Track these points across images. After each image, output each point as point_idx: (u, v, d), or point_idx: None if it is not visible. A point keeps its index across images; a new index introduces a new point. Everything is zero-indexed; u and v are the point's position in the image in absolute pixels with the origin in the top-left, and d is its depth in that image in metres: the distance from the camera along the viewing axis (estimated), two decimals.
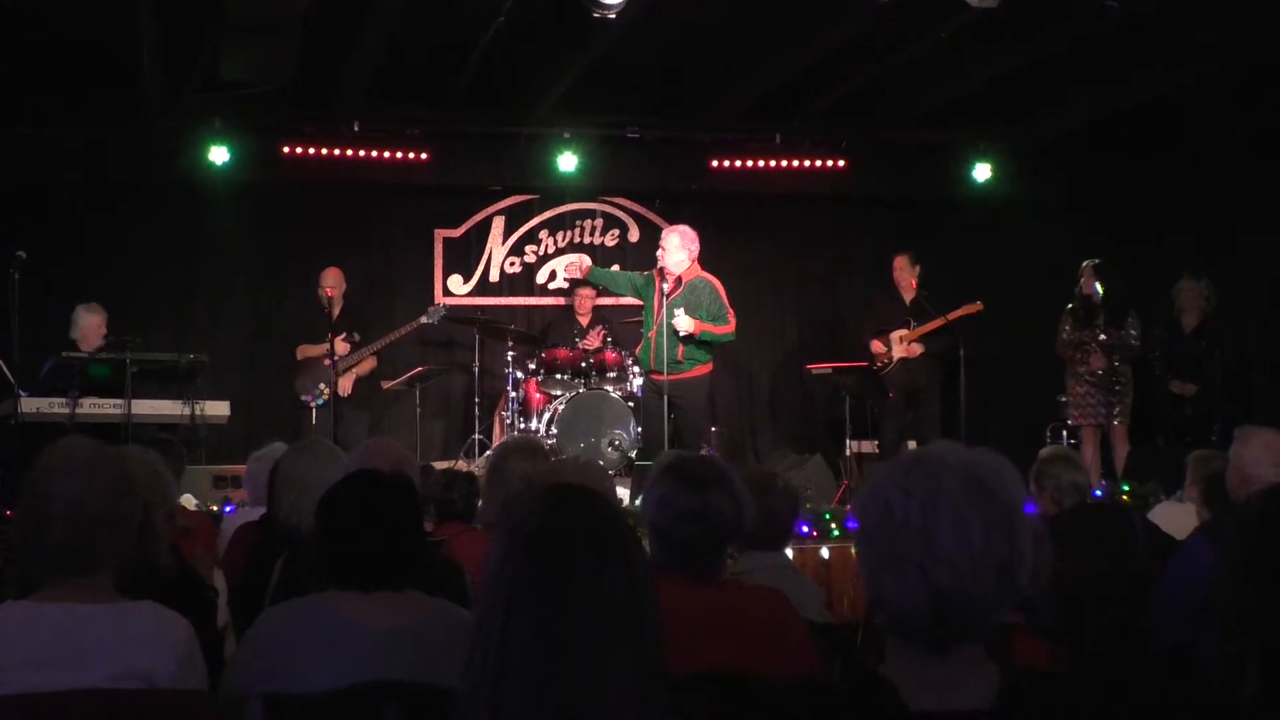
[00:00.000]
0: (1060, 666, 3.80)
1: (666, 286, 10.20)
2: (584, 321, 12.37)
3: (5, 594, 3.34)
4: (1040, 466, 6.18)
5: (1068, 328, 10.98)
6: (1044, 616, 4.13)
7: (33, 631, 3.17)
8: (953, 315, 11.38)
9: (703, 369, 10.34)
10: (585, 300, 12.56)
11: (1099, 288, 10.84)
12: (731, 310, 10.23)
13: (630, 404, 11.09)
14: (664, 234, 10.78)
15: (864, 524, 2.26)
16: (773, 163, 13.36)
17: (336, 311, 11.55)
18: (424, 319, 11.97)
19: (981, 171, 13.58)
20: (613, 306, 13.03)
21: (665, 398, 10.05)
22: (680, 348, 10.06)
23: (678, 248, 10.32)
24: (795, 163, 13.40)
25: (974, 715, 2.20)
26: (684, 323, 10.01)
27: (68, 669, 3.12)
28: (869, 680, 2.27)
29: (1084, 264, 10.98)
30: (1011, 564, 2.20)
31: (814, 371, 12.82)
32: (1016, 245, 13.27)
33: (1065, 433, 11.16)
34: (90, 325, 10.80)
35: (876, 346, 11.84)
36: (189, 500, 8.72)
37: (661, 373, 10.00)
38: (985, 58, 10.93)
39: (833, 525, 8.88)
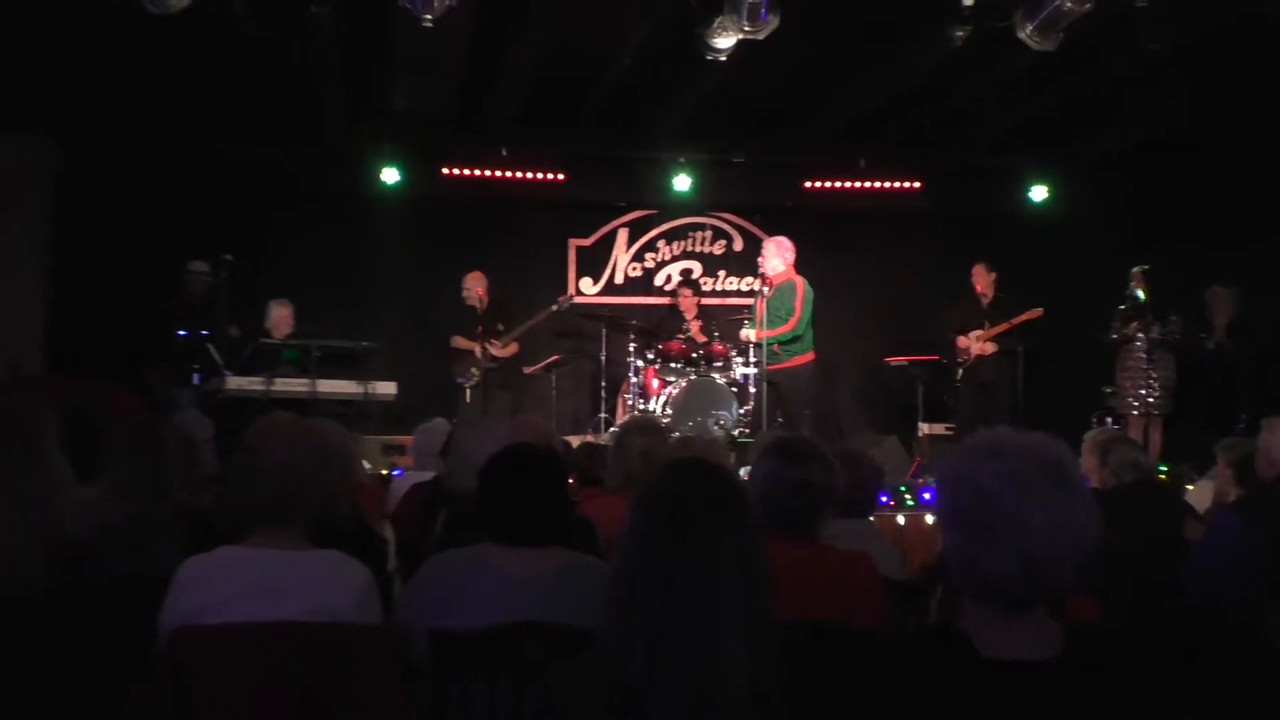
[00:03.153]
0: (1108, 621, 3.75)
1: (767, 290, 10.29)
2: (688, 317, 12.36)
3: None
4: (1105, 445, 6.10)
5: (1117, 325, 10.84)
6: (1090, 577, 4.08)
7: (242, 571, 3.22)
8: (1018, 319, 11.35)
9: (800, 359, 10.37)
10: (687, 299, 12.56)
11: (1145, 291, 10.71)
12: (798, 313, 10.30)
13: (734, 389, 11.06)
14: (764, 243, 10.88)
15: (954, 502, 2.24)
16: (857, 183, 13.27)
17: (483, 307, 11.68)
18: (555, 308, 12.04)
19: (1038, 192, 13.44)
20: (718, 306, 13.05)
21: (766, 384, 10.17)
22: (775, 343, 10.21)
23: (773, 255, 10.57)
24: (876, 183, 13.31)
25: (1041, 664, 2.18)
26: (745, 334, 10.27)
27: (269, 604, 3.17)
28: (947, 632, 2.27)
29: (1133, 269, 10.86)
30: (1086, 534, 2.19)
31: (891, 364, 12.72)
32: (1069, 255, 13.08)
33: (1110, 420, 10.97)
34: (280, 316, 10.98)
35: (960, 343, 11.77)
36: (363, 465, 8.83)
37: (765, 362, 10.18)
38: (1042, 89, 10.80)
39: (907, 496, 8.84)
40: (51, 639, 3.08)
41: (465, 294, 11.74)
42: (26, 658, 3.04)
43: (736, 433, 10.60)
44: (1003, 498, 2.17)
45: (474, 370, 11.42)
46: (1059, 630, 2.23)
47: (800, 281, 10.65)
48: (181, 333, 10.57)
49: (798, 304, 10.38)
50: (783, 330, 10.26)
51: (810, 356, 10.56)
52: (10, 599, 3.07)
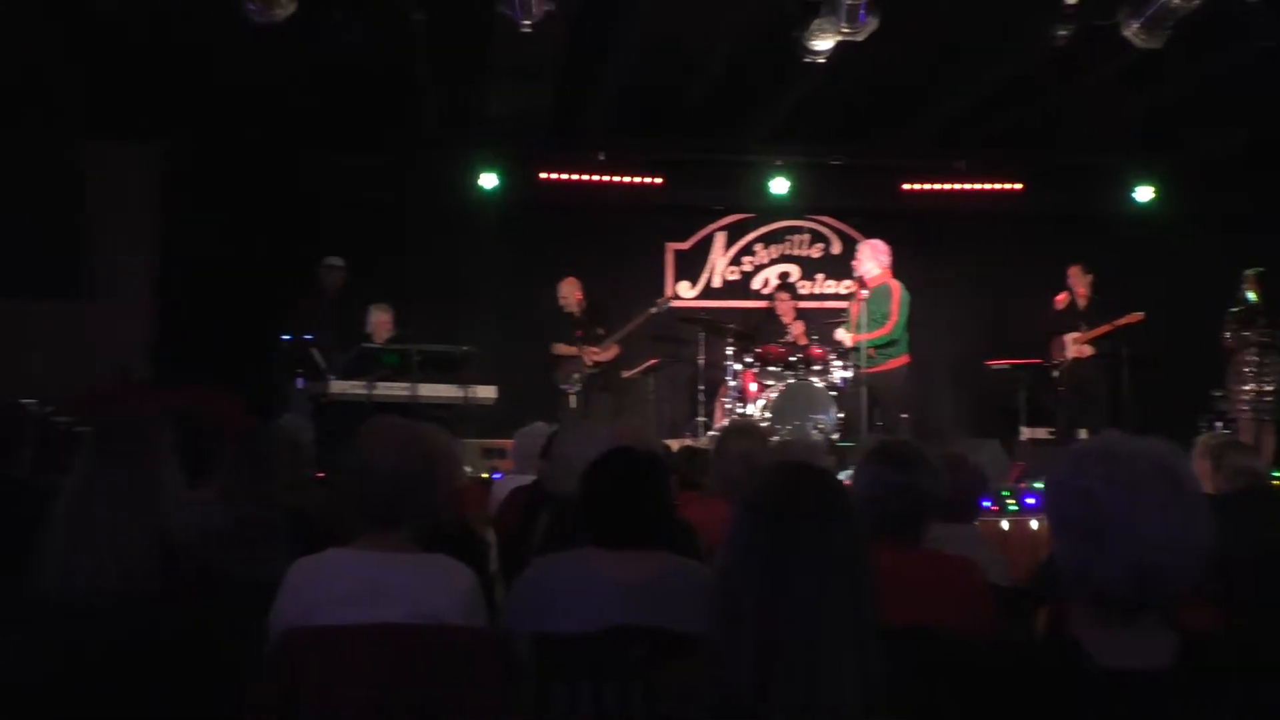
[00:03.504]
0: (1223, 630, 3.67)
1: (865, 293, 10.25)
2: (785, 321, 12.31)
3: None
4: (1218, 450, 5.97)
5: (1231, 328, 10.63)
6: (1205, 584, 4.00)
7: (350, 574, 3.26)
8: (1118, 323, 11.22)
9: (895, 362, 10.30)
10: (785, 303, 12.53)
11: (1258, 293, 10.51)
12: (895, 316, 10.23)
13: (833, 393, 11.01)
14: (859, 246, 10.87)
15: (1065, 508, 2.21)
16: (957, 185, 13.17)
17: (582, 313, 11.75)
18: (653, 309, 12.11)
19: (1143, 193, 13.24)
20: (815, 309, 12.99)
21: (864, 386, 10.15)
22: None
23: (868, 258, 10.58)
24: (977, 185, 13.19)
25: (1155, 674, 2.15)
26: (841, 336, 10.24)
27: (376, 606, 3.20)
28: (1059, 640, 2.23)
29: (1246, 272, 10.65)
30: (1201, 541, 2.15)
31: (992, 367, 12.58)
32: (1175, 256, 12.85)
33: (1220, 424, 10.75)
34: (380, 322, 11.11)
35: (1055, 346, 11.63)
36: (464, 468, 8.88)
37: (861, 366, 10.14)
38: (1148, 87, 10.62)
39: (1009, 501, 8.72)
40: (165, 643, 3.14)
41: (562, 301, 11.82)
42: (141, 661, 3.10)
43: (835, 436, 10.55)
44: (1114, 504, 2.14)
45: (577, 375, 11.50)
46: (1174, 638, 2.19)
47: (897, 285, 10.60)
48: (285, 336, 10.74)
49: (894, 307, 10.33)
50: (880, 334, 10.22)
51: (905, 360, 10.51)
52: (125, 604, 3.14)
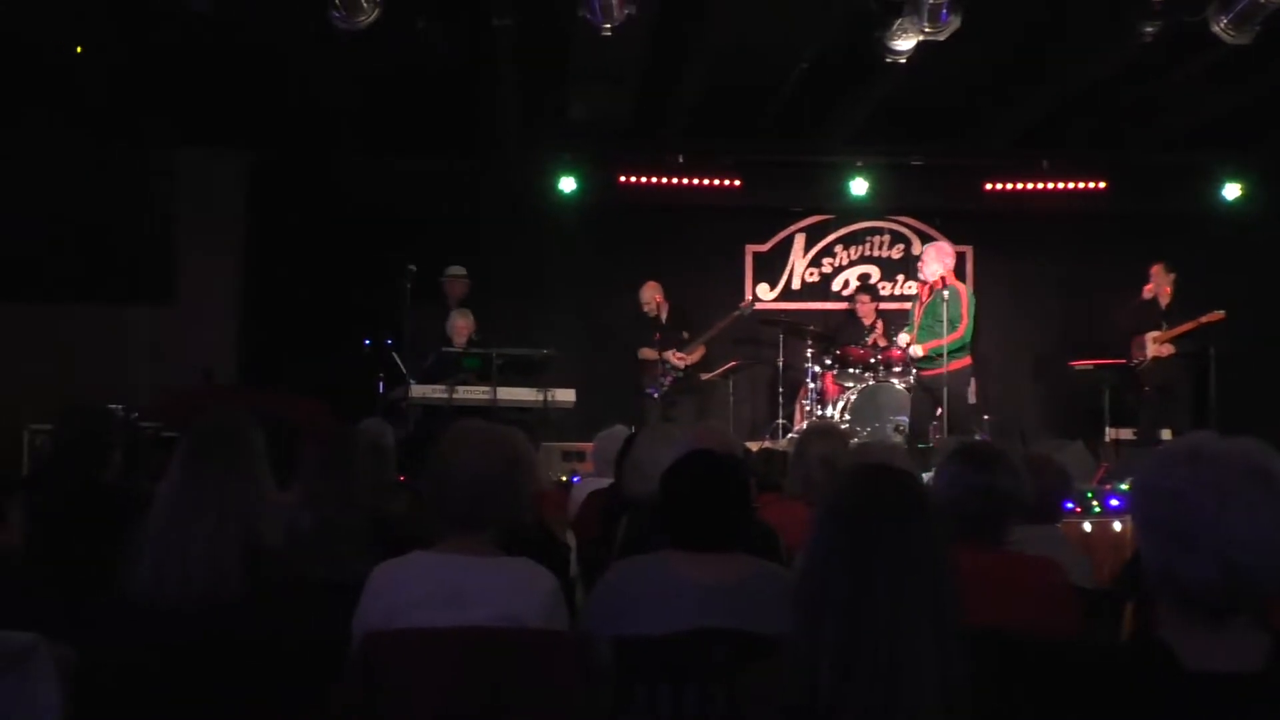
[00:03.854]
0: None
1: (946, 294, 10.17)
2: (867, 323, 12.26)
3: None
4: None
5: None
6: None
7: (433, 577, 3.29)
8: (1200, 320, 11.08)
9: (960, 363, 10.22)
10: (865, 305, 12.47)
11: None
12: (966, 318, 10.14)
13: (911, 394, 10.95)
14: (923, 249, 10.83)
15: (1152, 510, 2.18)
16: (1040, 185, 13.02)
17: (664, 316, 11.77)
18: (738, 312, 12.15)
19: (1231, 190, 13.03)
20: (896, 310, 12.90)
21: (926, 390, 10.33)
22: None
23: (933, 259, 10.50)
24: (1060, 185, 13.03)
25: (1248, 677, 2.11)
26: (914, 350, 10.35)
27: (458, 609, 3.22)
28: (1148, 643, 2.20)
29: None
30: None
31: (1076, 367, 12.43)
32: (1264, 256, 12.63)
33: None
34: (460, 326, 11.17)
35: (1135, 345, 11.50)
36: (543, 472, 8.92)
37: (923, 368, 10.24)
38: (1236, 83, 10.45)
39: (1094, 503, 8.61)
40: (250, 645, 3.19)
41: (645, 305, 11.85)
42: (227, 663, 3.16)
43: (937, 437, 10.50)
44: (1202, 504, 2.10)
45: (663, 380, 11.53)
46: (1266, 639, 2.15)
47: (963, 288, 10.57)
48: (366, 341, 10.85)
49: (964, 310, 10.23)
50: (954, 338, 10.11)
51: (968, 361, 10.43)
52: (214, 606, 3.20)
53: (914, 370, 10.69)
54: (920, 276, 10.87)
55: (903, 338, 10.76)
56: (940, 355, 10.04)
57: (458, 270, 11.51)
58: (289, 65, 10.23)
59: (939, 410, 10.25)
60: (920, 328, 10.44)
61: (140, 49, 9.86)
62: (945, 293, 10.17)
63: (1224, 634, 2.14)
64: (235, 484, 3.34)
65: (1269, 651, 2.14)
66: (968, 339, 10.34)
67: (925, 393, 10.41)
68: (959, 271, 12.60)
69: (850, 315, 12.66)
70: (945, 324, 10.02)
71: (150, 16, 9.11)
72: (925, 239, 13.46)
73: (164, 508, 3.30)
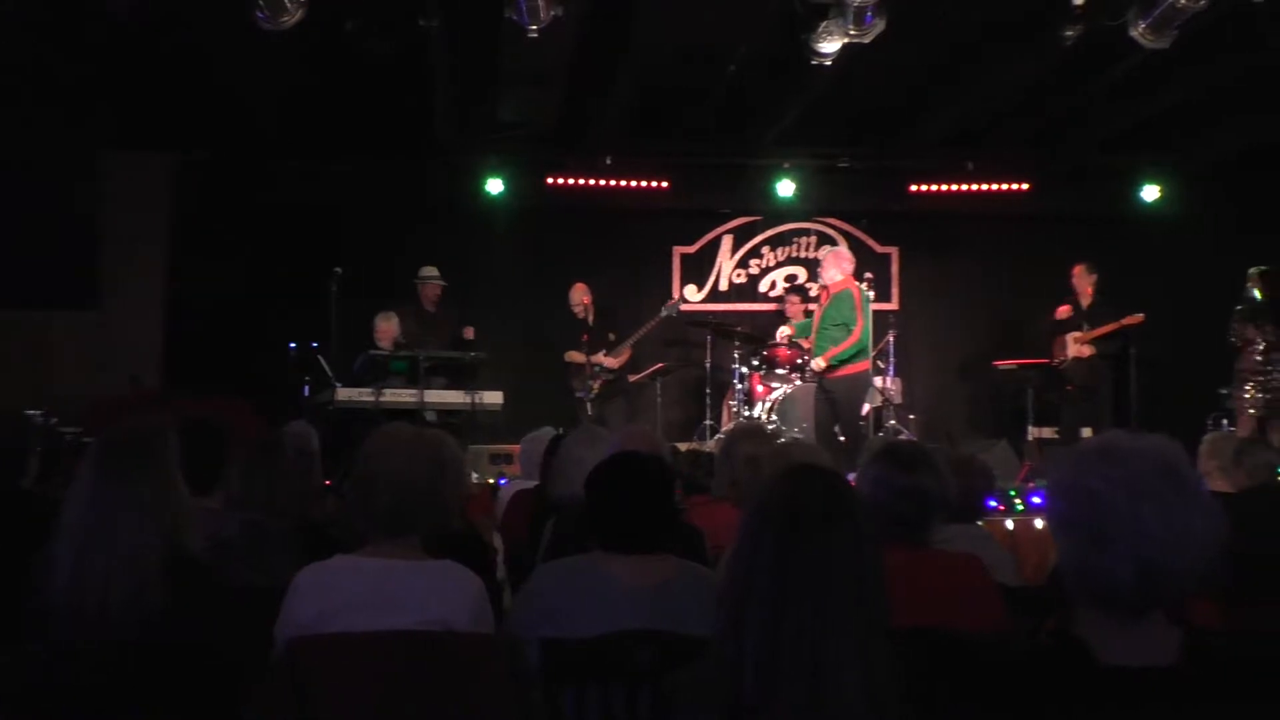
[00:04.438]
0: (1231, 627, 3.67)
1: (822, 299, 10.29)
2: (796, 323, 12.32)
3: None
4: (1240, 445, 5.97)
5: (1235, 327, 10.62)
6: (1217, 581, 3.99)
7: (359, 580, 3.27)
8: (1121, 322, 11.22)
9: (857, 367, 10.28)
10: (795, 306, 12.56)
11: (1263, 292, 10.50)
12: (861, 320, 10.18)
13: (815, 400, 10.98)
14: (823, 256, 10.90)
15: (1067, 508, 2.21)
16: (965, 186, 13.17)
17: (591, 318, 11.76)
18: (663, 312, 12.19)
19: (1150, 192, 13.24)
20: None
21: (824, 392, 10.39)
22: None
23: (831, 264, 10.55)
24: (985, 186, 13.19)
25: (1161, 671, 2.15)
26: (815, 362, 10.33)
27: (384, 613, 3.21)
28: (1064, 639, 2.23)
29: (1250, 270, 10.64)
30: (1207, 539, 2.14)
31: (1000, 367, 12.57)
32: (1181, 256, 12.85)
33: (1225, 421, 10.73)
34: (385, 329, 11.08)
35: (1057, 345, 11.64)
36: (470, 474, 8.89)
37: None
38: (1156, 87, 10.62)
39: (1016, 501, 8.73)
40: (173, 651, 3.15)
41: (573, 307, 11.84)
42: (151, 669, 3.12)
43: (843, 439, 10.54)
44: (1116, 502, 2.13)
45: (592, 383, 11.52)
46: (1180, 634, 2.19)
47: (857, 290, 10.54)
48: (292, 345, 10.75)
49: (857, 310, 10.27)
50: (850, 342, 10.16)
51: (865, 365, 10.45)
52: (134, 613, 3.16)
53: (808, 376, 10.70)
54: (820, 281, 10.94)
55: (782, 330, 10.79)
56: (841, 363, 10.12)
57: (430, 272, 11.45)
58: (215, 66, 10.12)
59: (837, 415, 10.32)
60: (818, 332, 10.47)
61: (63, 50, 9.70)
62: (841, 295, 10.27)
63: (1140, 629, 2.17)
64: (150, 492, 3.30)
65: (1183, 646, 2.18)
66: (864, 342, 10.32)
67: (825, 396, 10.45)
68: (882, 276, 12.76)
69: (779, 316, 12.73)
70: (841, 326, 10.12)
71: (73, 17, 8.97)
72: (852, 240, 13.56)
73: (75, 513, 3.26)
